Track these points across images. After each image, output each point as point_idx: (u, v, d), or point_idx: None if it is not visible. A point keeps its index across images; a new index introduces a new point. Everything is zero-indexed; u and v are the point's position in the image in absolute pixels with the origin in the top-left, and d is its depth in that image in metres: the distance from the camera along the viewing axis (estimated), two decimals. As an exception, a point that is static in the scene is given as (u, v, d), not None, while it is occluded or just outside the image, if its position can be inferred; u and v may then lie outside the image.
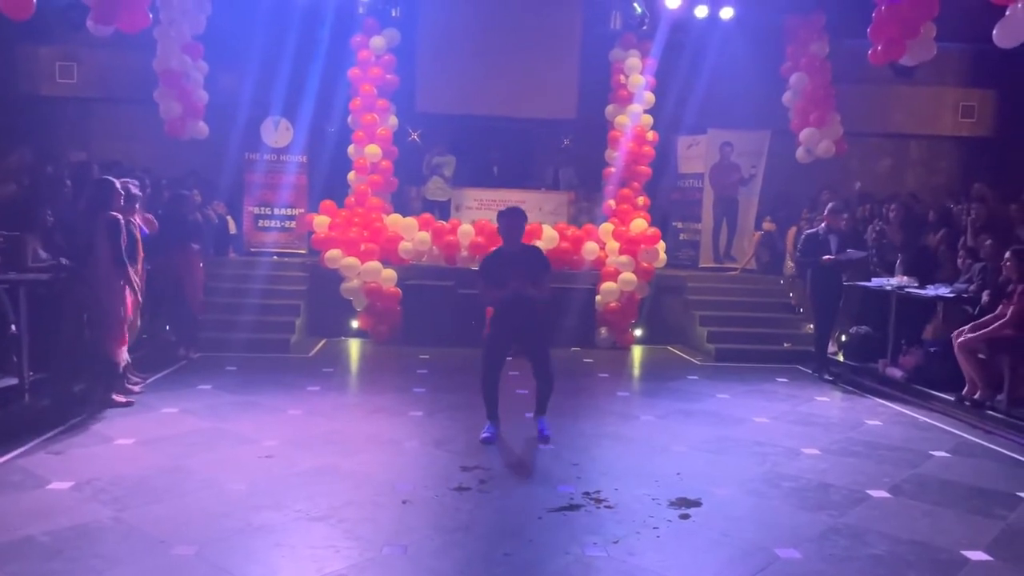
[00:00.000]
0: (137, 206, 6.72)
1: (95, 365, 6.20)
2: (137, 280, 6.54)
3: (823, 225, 8.18)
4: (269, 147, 10.85)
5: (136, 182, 6.97)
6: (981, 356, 6.69)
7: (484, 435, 5.55)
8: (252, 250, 10.76)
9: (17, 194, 7.56)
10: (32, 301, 6.03)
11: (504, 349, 5.66)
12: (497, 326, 5.64)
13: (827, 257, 7.88)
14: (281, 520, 4.03)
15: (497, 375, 5.57)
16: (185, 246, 7.99)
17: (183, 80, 10.56)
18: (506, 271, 5.39)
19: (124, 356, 6.19)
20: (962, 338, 6.76)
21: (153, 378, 7.18)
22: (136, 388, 6.64)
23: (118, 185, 6.35)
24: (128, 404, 6.20)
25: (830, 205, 8.42)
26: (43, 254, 6.34)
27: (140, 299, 6.69)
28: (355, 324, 9.94)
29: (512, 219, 5.49)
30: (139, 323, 6.61)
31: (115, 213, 6.15)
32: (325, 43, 10.99)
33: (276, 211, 10.95)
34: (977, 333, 6.68)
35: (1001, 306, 6.70)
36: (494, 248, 5.99)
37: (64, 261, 6.33)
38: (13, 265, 6.14)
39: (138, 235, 6.66)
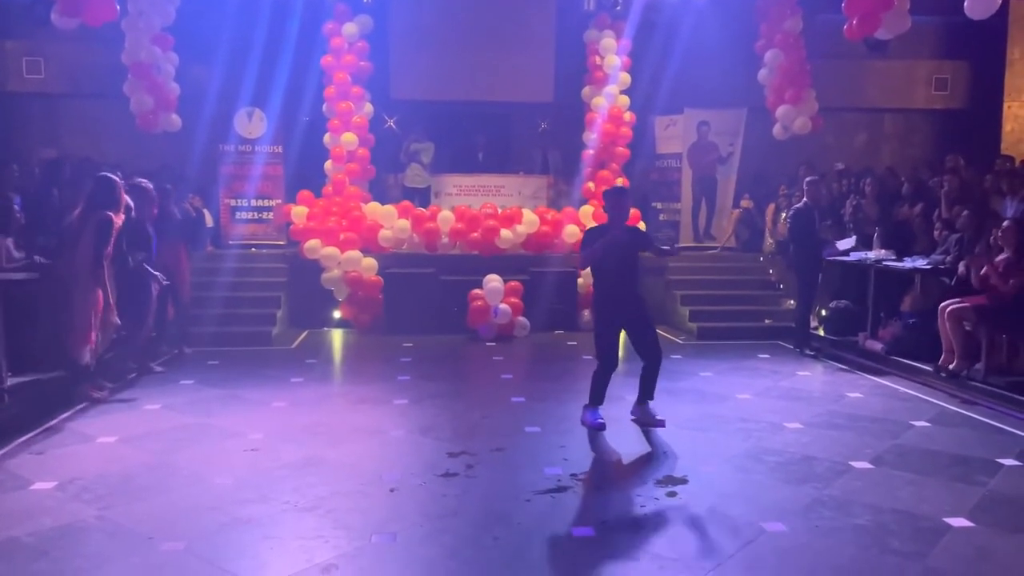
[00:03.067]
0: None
1: (62, 364, 6.14)
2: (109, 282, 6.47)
3: (804, 200, 8.22)
4: (243, 138, 10.74)
5: (146, 181, 6.97)
6: (967, 327, 6.70)
7: (600, 420, 5.50)
8: (230, 243, 10.66)
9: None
10: (8, 302, 5.95)
11: (618, 336, 5.65)
12: (605, 315, 5.57)
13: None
14: (269, 512, 4.02)
15: (617, 363, 5.58)
16: (173, 242, 7.88)
17: (154, 72, 10.41)
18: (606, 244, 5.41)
19: (88, 355, 6.12)
20: (952, 307, 6.75)
21: (134, 374, 7.11)
22: (109, 384, 6.57)
23: (120, 183, 6.25)
24: (103, 400, 6.17)
25: (808, 179, 8.46)
26: (16, 253, 6.24)
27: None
28: (337, 314, 9.90)
29: (619, 197, 5.56)
30: (116, 321, 6.50)
31: (111, 213, 6.06)
32: (297, 31, 10.90)
33: (252, 203, 10.84)
34: (969, 300, 6.61)
35: (984, 272, 6.64)
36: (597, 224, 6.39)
37: (39, 259, 6.24)
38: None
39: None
